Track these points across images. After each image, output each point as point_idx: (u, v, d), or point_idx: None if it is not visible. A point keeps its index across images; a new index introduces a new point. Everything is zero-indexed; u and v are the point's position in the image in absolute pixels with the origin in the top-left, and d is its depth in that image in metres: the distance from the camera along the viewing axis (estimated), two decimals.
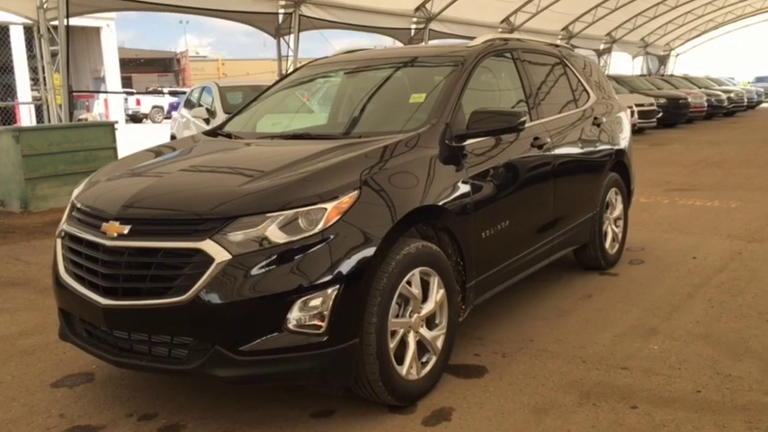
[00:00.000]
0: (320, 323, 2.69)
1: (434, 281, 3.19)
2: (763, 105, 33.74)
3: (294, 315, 2.66)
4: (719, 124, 22.55)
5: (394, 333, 2.99)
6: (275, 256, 2.66)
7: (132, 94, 37.85)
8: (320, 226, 2.73)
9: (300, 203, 2.75)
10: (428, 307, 3.17)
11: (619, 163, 5.36)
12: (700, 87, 25.62)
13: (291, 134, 3.77)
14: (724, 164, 12.02)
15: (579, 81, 5.10)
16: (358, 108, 4.12)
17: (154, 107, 37.40)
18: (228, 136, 4.01)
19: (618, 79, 21.46)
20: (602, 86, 5.57)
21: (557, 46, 5.27)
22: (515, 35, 4.90)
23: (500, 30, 21.37)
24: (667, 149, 15.00)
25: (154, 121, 35.99)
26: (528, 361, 3.59)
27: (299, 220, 2.73)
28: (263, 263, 2.64)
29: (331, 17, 15.80)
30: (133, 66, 54.28)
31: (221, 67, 57.89)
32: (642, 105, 18.31)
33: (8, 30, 21.85)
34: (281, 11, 15.02)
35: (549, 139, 4.27)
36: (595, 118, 5.02)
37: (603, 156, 5.06)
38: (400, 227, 2.99)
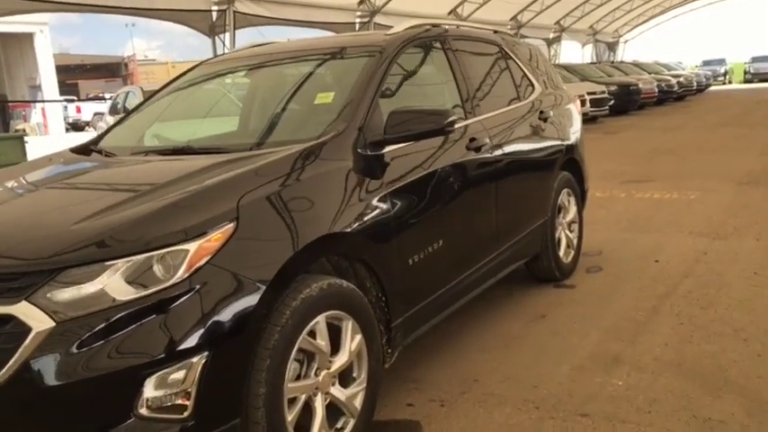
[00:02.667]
0: (185, 402, 2.02)
1: (348, 326, 2.55)
2: (712, 89, 33.98)
3: (148, 395, 1.99)
4: (671, 109, 22.43)
5: (294, 400, 2.34)
6: (119, 319, 1.98)
7: (72, 101, 36.36)
8: (180, 273, 2.06)
9: (154, 245, 2.08)
10: (341, 360, 2.53)
11: (570, 160, 4.80)
12: (649, 73, 25.51)
13: (171, 148, 3.07)
14: (678, 150, 11.66)
15: (523, 72, 4.51)
16: (257, 113, 3.46)
17: (96, 114, 35.89)
18: (100, 152, 3.30)
19: (568, 68, 21.16)
20: (549, 77, 5.00)
21: (496, 32, 4.67)
22: (456, 23, 4.28)
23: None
24: (621, 138, 14.65)
25: (96, 129, 34.60)
26: (471, 410, 2.98)
27: (154, 268, 2.06)
28: (102, 329, 1.97)
29: (268, 13, 15.05)
30: (80, 72, 52.36)
31: (171, 69, 56.26)
32: (594, 93, 17.98)
33: None
34: (215, 8, 14.23)
35: (488, 140, 3.66)
36: (541, 112, 4.44)
37: (553, 154, 4.49)
38: (296, 264, 2.34)
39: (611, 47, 36.89)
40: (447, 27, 4.00)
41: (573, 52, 33.24)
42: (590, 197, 7.96)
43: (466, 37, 4.05)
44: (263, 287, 2.17)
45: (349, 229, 2.56)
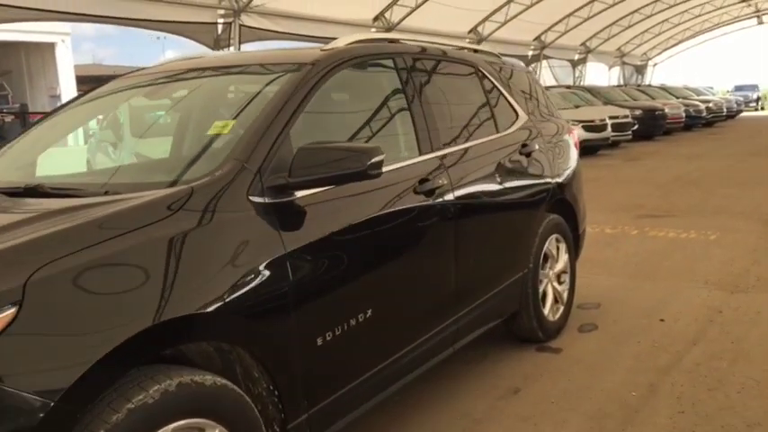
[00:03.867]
0: None
1: None
2: (743, 115, 32.86)
3: None
4: (698, 136, 21.50)
5: None
6: None
7: None
8: None
9: None
10: None
11: (560, 201, 4.12)
12: (677, 98, 24.62)
13: (23, 187, 2.43)
14: (702, 182, 10.86)
15: (502, 96, 3.85)
16: (140, 144, 2.85)
17: None
18: None
19: (592, 90, 20.41)
20: (541, 103, 4.34)
21: (477, 52, 4.03)
22: (426, 40, 3.61)
23: (468, 40, 20.14)
24: (641, 165, 13.85)
25: None
26: None
27: None
28: None
29: (277, 27, 14.56)
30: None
31: None
32: (616, 117, 17.18)
33: None
34: (221, 20, 13.75)
35: (445, 181, 3.00)
36: (524, 145, 3.77)
37: (536, 194, 3.82)
38: (120, 362, 1.70)
39: (640, 70, 35.95)
40: (407, 44, 3.36)
41: (599, 74, 32.41)
42: (598, 234, 7.27)
43: (430, 56, 3.41)
44: (54, 401, 1.53)
45: (211, 309, 1.91)
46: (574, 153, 4.40)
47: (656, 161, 14.52)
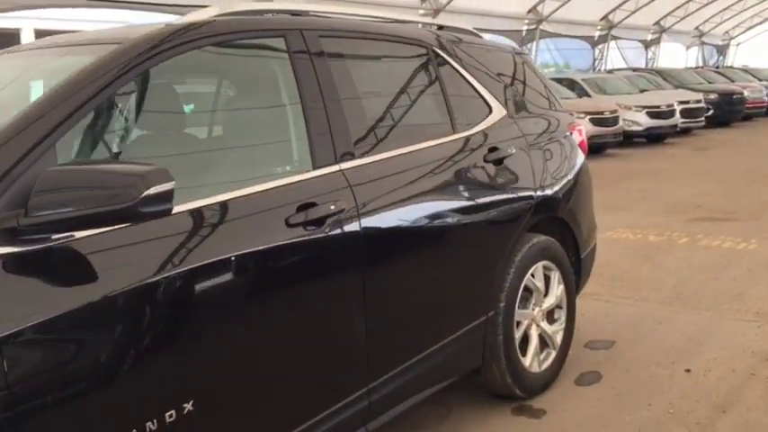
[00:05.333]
0: None
1: None
2: None
3: None
4: None
5: None
6: None
7: None
8: None
9: None
10: None
11: (551, 219, 3.22)
12: (761, 80, 22.55)
13: None
14: None
15: (469, 86, 2.97)
16: None
17: None
18: None
19: (662, 73, 18.85)
20: (532, 92, 3.43)
21: (439, 27, 3.16)
22: (319, 8, 2.72)
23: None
24: (711, 156, 12.46)
25: None
26: None
27: None
28: None
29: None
30: None
31: None
32: (687, 102, 15.64)
33: None
34: None
35: (346, 204, 2.17)
36: (492, 149, 2.88)
37: (509, 213, 2.93)
38: None
39: (721, 50, 33.50)
40: (315, 18, 2.54)
41: (676, 56, 30.28)
42: (639, 242, 6.22)
43: (350, 34, 2.56)
44: None
45: None
46: (576, 156, 3.48)
47: (728, 151, 13.07)
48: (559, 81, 16.01)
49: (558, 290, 3.27)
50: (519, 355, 3.03)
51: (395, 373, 2.38)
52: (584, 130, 3.66)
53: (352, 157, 2.29)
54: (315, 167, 2.18)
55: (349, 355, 2.23)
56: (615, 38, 24.39)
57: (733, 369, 3.37)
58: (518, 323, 3.03)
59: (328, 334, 2.15)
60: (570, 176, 3.37)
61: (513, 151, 2.94)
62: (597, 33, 23.39)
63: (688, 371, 3.37)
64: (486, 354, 2.89)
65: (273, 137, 2.24)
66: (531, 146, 3.13)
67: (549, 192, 3.14)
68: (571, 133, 3.48)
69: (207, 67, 2.24)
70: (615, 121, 13.25)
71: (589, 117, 12.86)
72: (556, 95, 3.64)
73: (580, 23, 21.64)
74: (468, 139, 2.81)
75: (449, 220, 2.61)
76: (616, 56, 25.25)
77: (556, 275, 3.25)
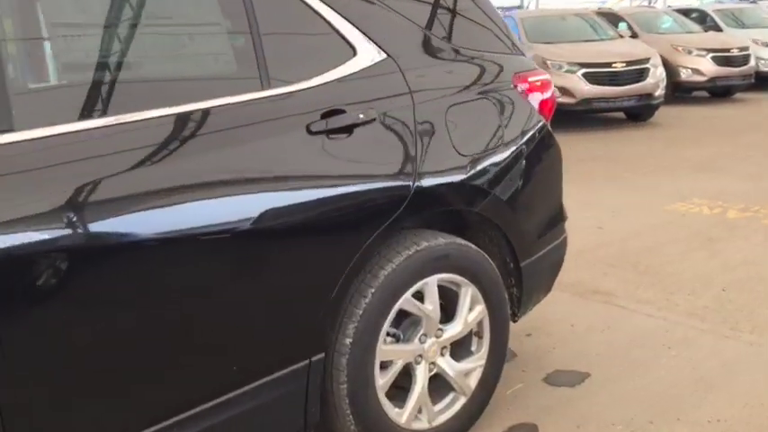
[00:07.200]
0: None
1: None
2: None
3: None
4: None
5: None
6: None
7: None
8: None
9: None
10: None
11: (462, 216, 2.23)
12: None
13: None
14: None
15: (315, 16, 1.98)
16: None
17: None
18: None
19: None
20: (466, 24, 2.38)
21: None
22: None
23: None
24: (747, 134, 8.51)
25: None
26: None
27: None
28: None
29: None
30: None
31: None
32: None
33: None
34: None
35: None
36: (328, 113, 1.90)
37: (354, 208, 1.94)
38: None
39: None
40: None
41: None
42: (714, 217, 4.85)
43: None
44: None
45: None
46: (523, 122, 2.40)
47: None
48: (686, 13, 13.79)
49: (472, 313, 2.28)
50: (384, 407, 2.11)
51: None
52: (551, 82, 2.55)
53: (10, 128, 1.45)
54: None
55: None
56: None
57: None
58: (386, 363, 2.11)
59: None
60: (506, 152, 2.32)
61: (367, 116, 1.95)
62: None
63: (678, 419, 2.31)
64: (325, 408, 2.01)
65: None
66: (426, 106, 2.11)
67: (446, 176, 2.13)
68: (516, 87, 2.40)
69: None
70: (746, 60, 11.11)
71: (711, 55, 10.85)
72: (510, 32, 2.54)
73: None
74: (285, 97, 1.86)
75: (224, 223, 1.70)
76: None
77: (468, 293, 2.25)
